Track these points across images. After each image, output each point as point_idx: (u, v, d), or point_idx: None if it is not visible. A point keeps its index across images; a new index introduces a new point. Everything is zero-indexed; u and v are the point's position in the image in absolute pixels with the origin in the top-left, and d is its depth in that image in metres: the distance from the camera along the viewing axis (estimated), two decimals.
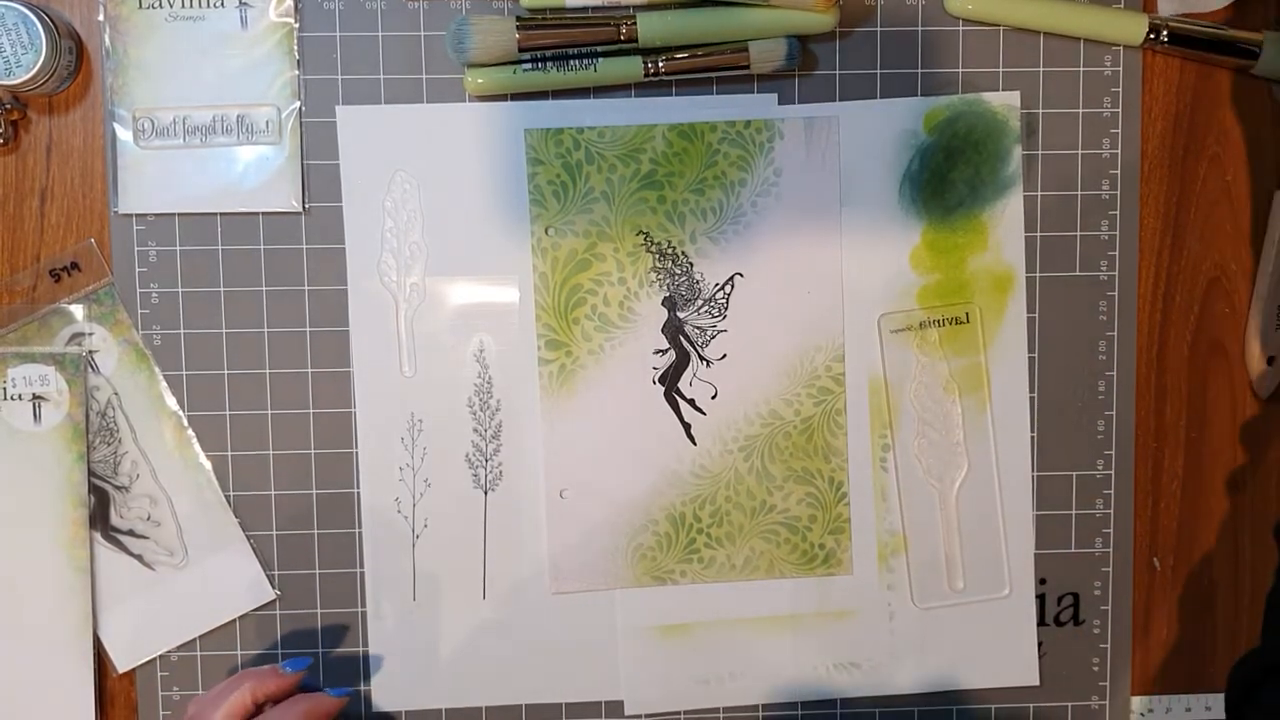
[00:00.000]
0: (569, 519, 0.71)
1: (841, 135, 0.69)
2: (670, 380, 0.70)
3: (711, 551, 0.71)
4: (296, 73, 0.68)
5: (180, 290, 0.69)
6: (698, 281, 0.70)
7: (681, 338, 0.70)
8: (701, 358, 0.70)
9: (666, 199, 0.69)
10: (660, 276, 0.70)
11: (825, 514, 0.71)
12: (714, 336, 0.70)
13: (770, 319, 0.70)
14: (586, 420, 0.70)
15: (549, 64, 0.66)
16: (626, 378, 0.70)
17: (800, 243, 0.70)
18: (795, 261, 0.70)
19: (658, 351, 0.70)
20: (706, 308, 0.70)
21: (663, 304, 0.70)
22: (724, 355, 0.70)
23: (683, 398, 0.70)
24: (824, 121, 0.69)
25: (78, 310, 0.69)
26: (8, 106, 0.67)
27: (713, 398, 0.71)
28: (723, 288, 0.70)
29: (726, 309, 0.70)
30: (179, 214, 0.69)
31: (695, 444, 0.71)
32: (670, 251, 0.70)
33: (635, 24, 0.65)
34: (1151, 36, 0.69)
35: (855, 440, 0.71)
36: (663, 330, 0.70)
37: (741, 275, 0.70)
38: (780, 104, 0.69)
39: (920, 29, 0.70)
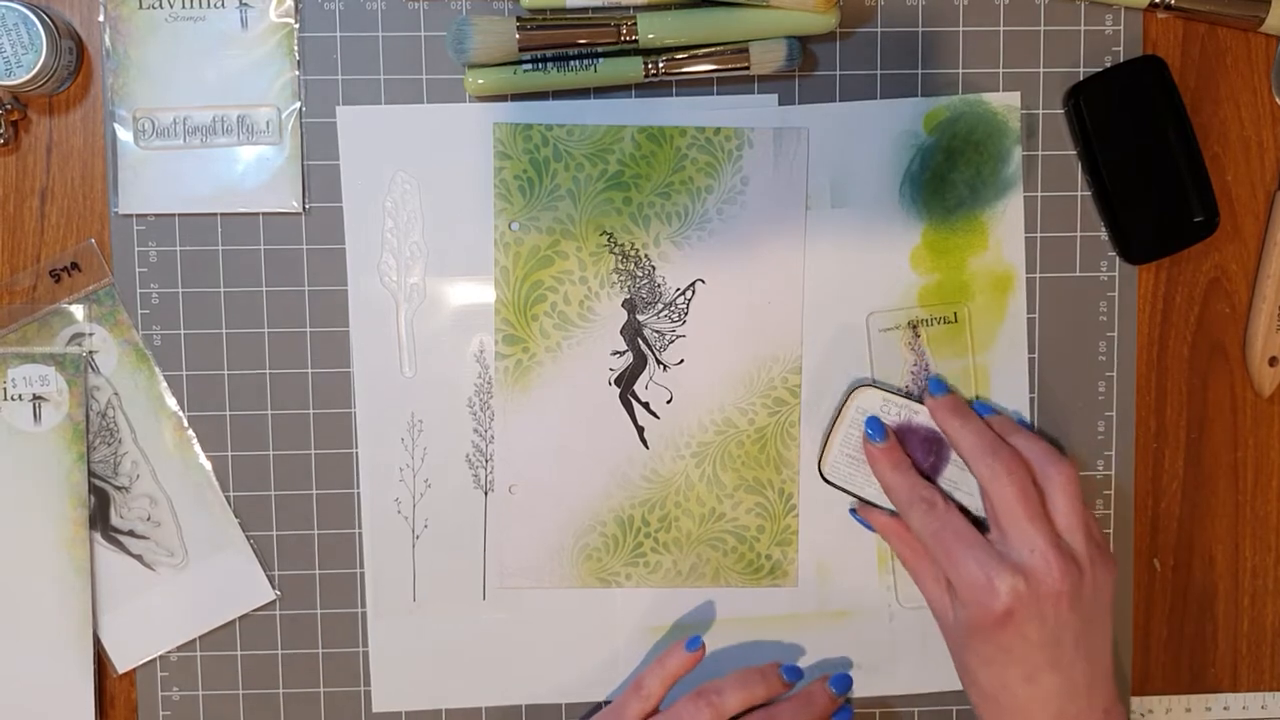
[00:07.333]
0: (516, 515, 0.70)
1: (842, 136, 0.69)
2: (626, 382, 0.70)
3: (658, 556, 0.71)
4: (297, 73, 0.68)
5: (180, 290, 0.69)
6: (659, 285, 0.70)
7: (640, 340, 0.70)
8: (659, 361, 0.70)
9: (632, 200, 0.69)
10: (622, 278, 0.70)
11: (774, 525, 0.71)
12: (672, 341, 0.70)
13: (729, 327, 0.70)
14: (539, 417, 0.70)
15: (549, 64, 0.66)
16: (582, 377, 0.70)
17: (763, 253, 0.70)
18: (757, 271, 0.70)
19: (615, 353, 0.70)
20: (666, 312, 0.70)
21: (623, 306, 0.70)
22: (681, 360, 0.70)
23: (638, 400, 0.70)
24: (793, 133, 0.69)
25: (78, 310, 0.69)
26: (8, 107, 0.67)
27: (668, 402, 0.70)
28: (684, 293, 0.70)
29: (686, 315, 0.70)
30: (179, 214, 0.69)
31: (648, 447, 0.70)
32: (633, 254, 0.69)
33: (635, 24, 0.65)
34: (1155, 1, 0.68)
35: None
36: (621, 332, 0.70)
37: (703, 282, 0.70)
38: (781, 104, 0.69)
39: (920, 29, 0.70)
